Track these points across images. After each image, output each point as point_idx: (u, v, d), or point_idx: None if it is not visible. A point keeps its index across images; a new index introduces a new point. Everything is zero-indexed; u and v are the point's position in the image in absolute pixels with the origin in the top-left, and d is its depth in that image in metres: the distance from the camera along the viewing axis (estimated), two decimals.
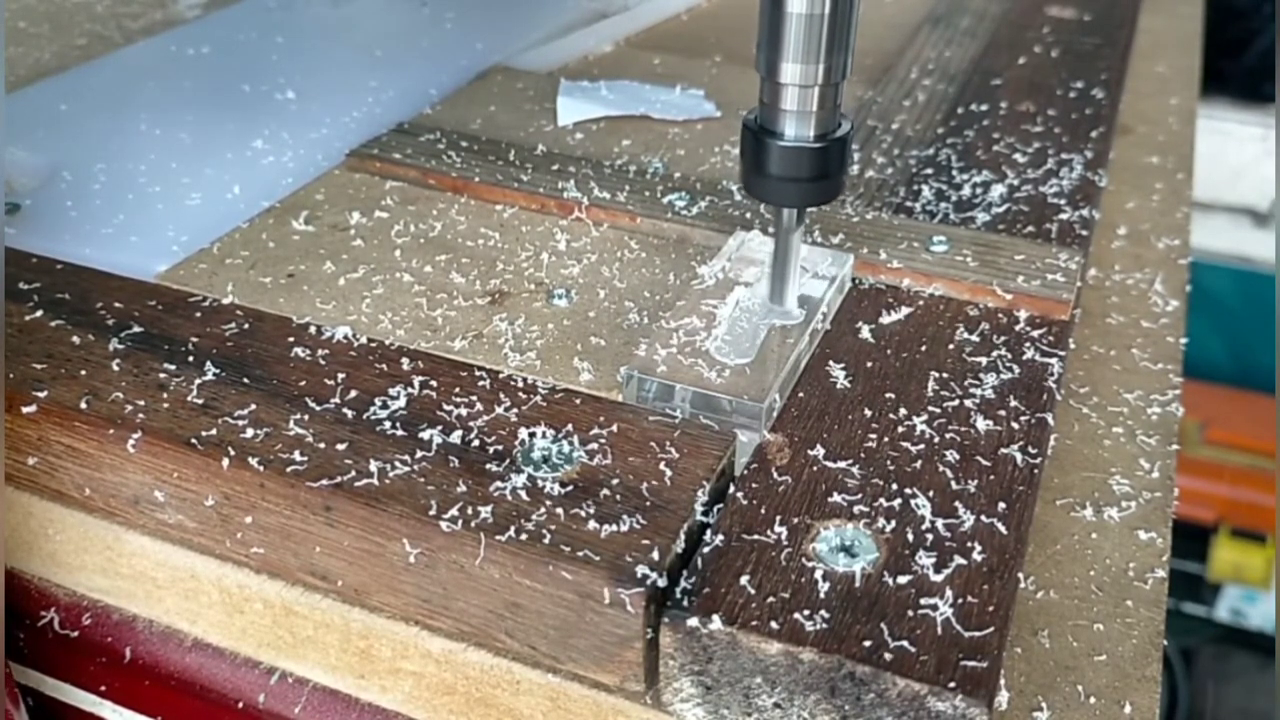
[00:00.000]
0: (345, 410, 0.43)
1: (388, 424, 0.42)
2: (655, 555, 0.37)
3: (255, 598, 0.44)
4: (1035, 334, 0.51)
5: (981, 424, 0.45)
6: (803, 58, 0.43)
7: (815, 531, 0.39)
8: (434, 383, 0.45)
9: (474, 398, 0.44)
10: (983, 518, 0.40)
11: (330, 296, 0.54)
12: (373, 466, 0.40)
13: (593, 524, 0.38)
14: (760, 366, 0.46)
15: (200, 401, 0.44)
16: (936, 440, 0.44)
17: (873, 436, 0.44)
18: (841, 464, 0.42)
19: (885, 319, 0.51)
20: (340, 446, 0.41)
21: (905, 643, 0.34)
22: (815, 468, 0.42)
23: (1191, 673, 1.80)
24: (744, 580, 0.37)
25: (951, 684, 0.33)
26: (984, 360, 0.49)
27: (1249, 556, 1.87)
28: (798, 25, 0.43)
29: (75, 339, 0.47)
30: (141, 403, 0.43)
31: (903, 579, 0.37)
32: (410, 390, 0.44)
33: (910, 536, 0.39)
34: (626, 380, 0.47)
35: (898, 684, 0.34)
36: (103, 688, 0.49)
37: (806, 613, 0.35)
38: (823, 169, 0.45)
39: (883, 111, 0.73)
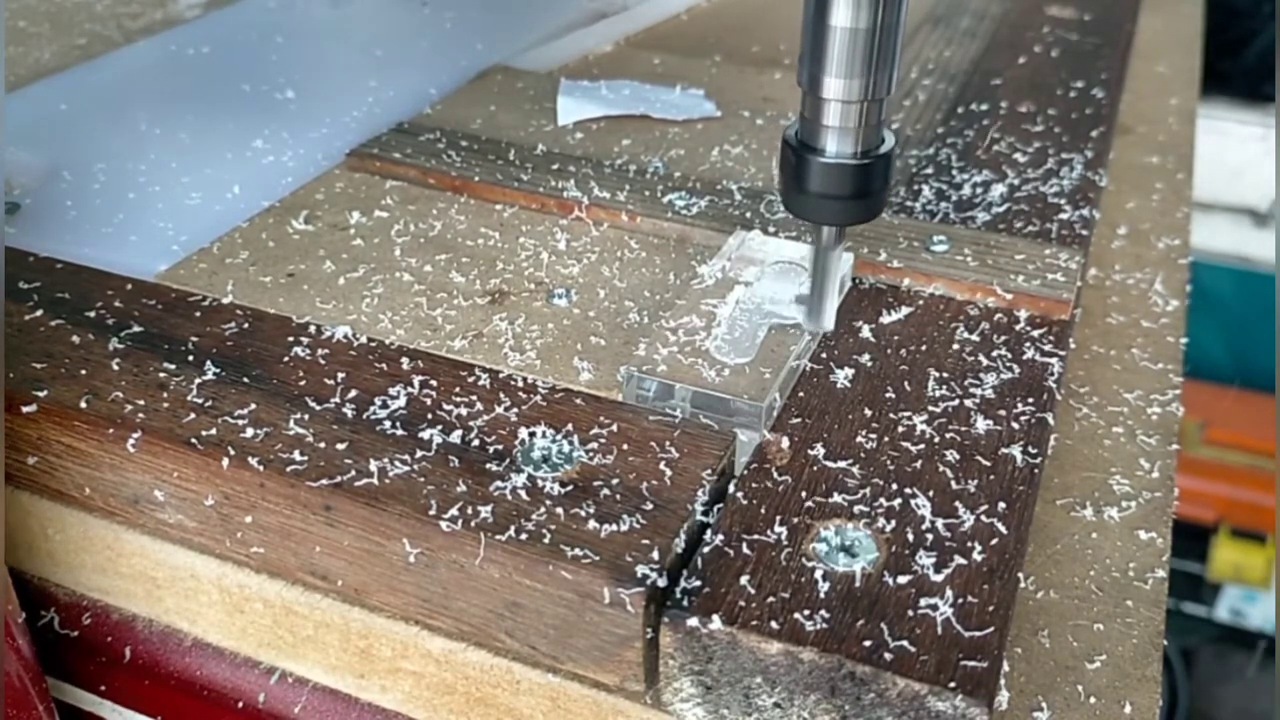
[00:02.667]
0: (345, 410, 0.43)
1: (388, 424, 0.42)
2: (655, 555, 0.37)
3: (255, 597, 0.44)
4: (1035, 334, 0.51)
5: (981, 424, 0.44)
6: (846, 72, 0.42)
7: (815, 531, 0.39)
8: (434, 382, 0.45)
9: (474, 397, 0.44)
10: (983, 518, 0.40)
11: (330, 296, 0.54)
12: (373, 466, 0.40)
13: (593, 524, 0.38)
14: (760, 366, 0.46)
15: (200, 401, 0.44)
16: (936, 440, 0.44)
17: (873, 436, 0.44)
18: (841, 464, 0.42)
19: (885, 319, 0.51)
20: (340, 446, 0.41)
21: (905, 643, 0.34)
22: (815, 467, 0.42)
23: (1191, 673, 1.80)
24: (744, 580, 0.37)
25: (951, 684, 0.33)
26: (984, 360, 0.49)
27: (1249, 556, 1.87)
28: (841, 39, 0.41)
29: (75, 339, 0.47)
30: (141, 402, 0.43)
31: (903, 579, 0.37)
32: (410, 390, 0.44)
33: (910, 536, 0.39)
34: (626, 380, 0.47)
35: (898, 684, 0.34)
36: (103, 688, 0.49)
37: (806, 612, 0.35)
38: (865, 186, 0.44)
39: None
